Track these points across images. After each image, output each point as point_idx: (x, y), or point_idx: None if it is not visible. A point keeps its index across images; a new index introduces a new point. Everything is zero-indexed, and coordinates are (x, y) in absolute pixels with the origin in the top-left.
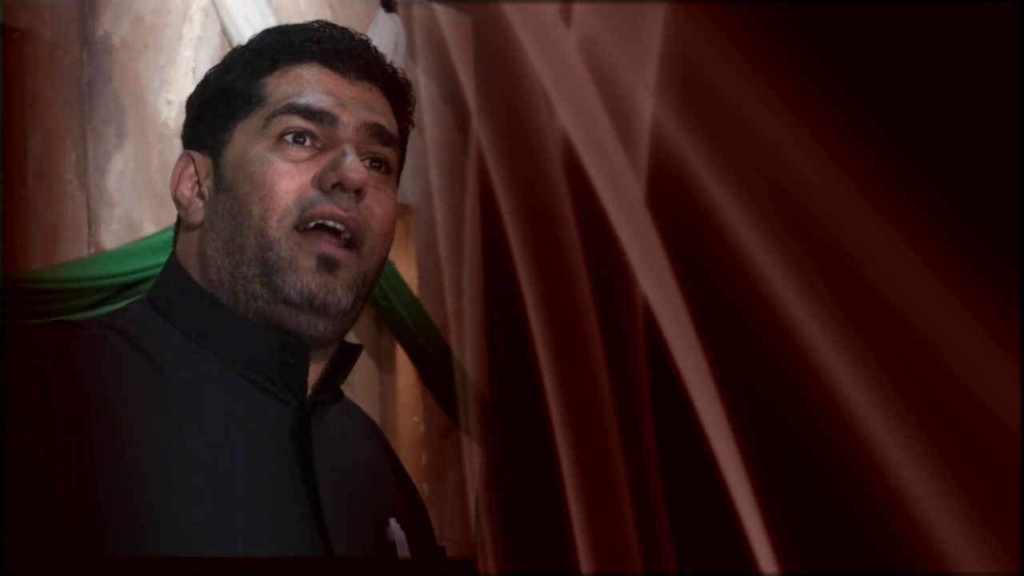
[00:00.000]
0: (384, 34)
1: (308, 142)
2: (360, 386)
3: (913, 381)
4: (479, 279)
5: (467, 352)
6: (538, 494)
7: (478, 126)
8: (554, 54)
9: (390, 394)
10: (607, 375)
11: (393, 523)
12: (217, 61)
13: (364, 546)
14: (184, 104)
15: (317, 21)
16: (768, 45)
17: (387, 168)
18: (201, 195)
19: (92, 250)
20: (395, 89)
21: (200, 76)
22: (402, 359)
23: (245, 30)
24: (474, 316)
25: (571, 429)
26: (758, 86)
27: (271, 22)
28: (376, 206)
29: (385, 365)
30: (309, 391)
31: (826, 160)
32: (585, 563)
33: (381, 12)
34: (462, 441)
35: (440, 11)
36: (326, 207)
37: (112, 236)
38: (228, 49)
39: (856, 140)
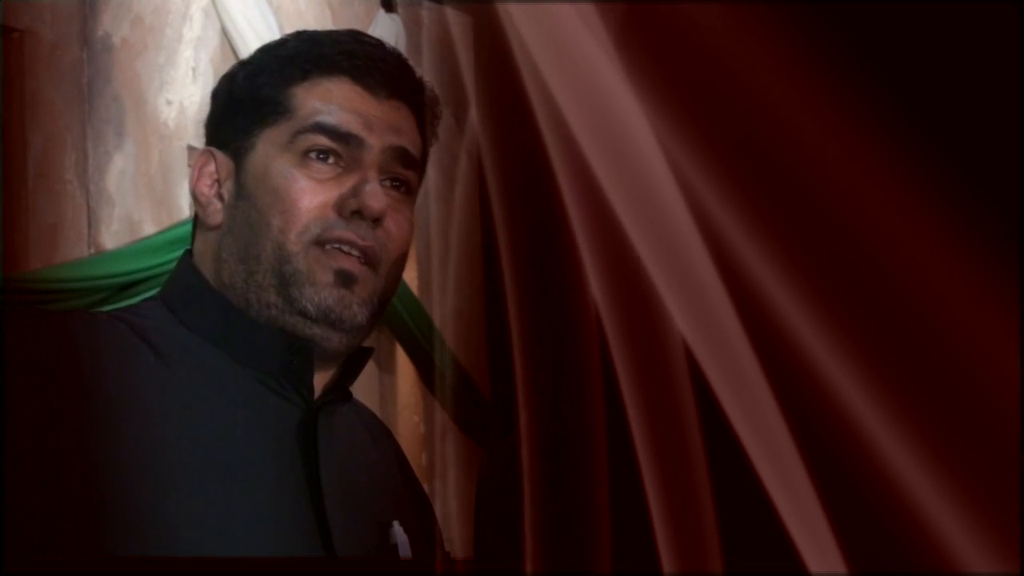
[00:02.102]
0: (384, 34)
1: (332, 160)
2: (360, 386)
3: (918, 379)
4: (479, 279)
5: (467, 353)
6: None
7: (478, 126)
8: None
9: (390, 394)
10: (686, 370)
11: (396, 526)
12: (217, 61)
13: (366, 548)
14: (183, 103)
15: (349, 31)
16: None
17: (407, 189)
18: (220, 196)
19: (92, 250)
20: (423, 105)
21: (200, 76)
22: (402, 359)
23: (245, 30)
24: (474, 317)
25: (649, 430)
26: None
27: (271, 22)
28: (394, 228)
29: (385, 365)
30: (317, 392)
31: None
32: (667, 564)
33: (381, 12)
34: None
35: (440, 11)
36: (344, 233)
37: (112, 236)
38: (228, 49)
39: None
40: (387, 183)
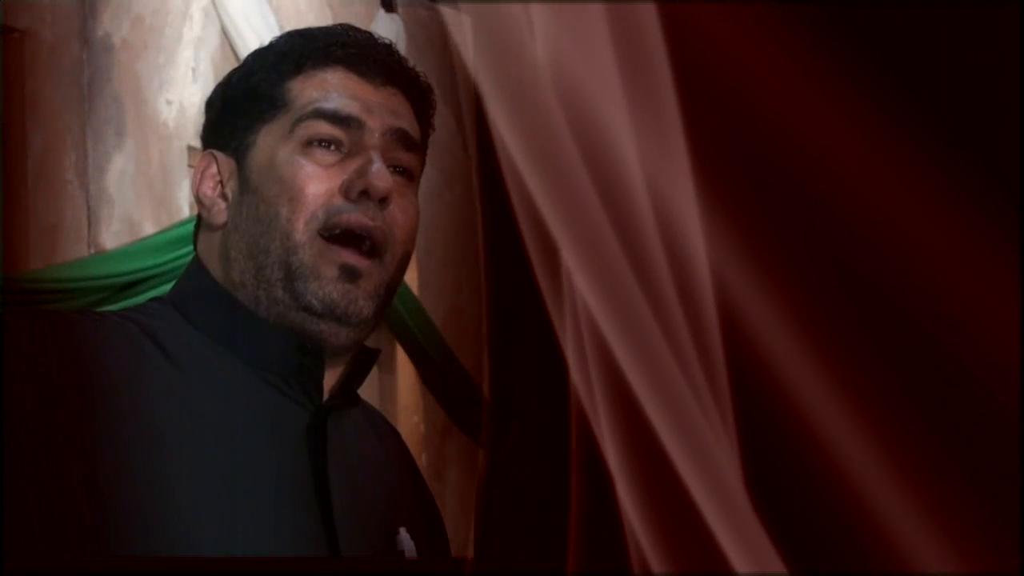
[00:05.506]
0: (384, 34)
1: (334, 147)
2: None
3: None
4: (479, 279)
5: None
6: (540, 493)
7: (477, 125)
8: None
9: (390, 394)
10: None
11: (403, 532)
12: (217, 61)
13: (372, 552)
14: (183, 103)
15: (340, 25)
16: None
17: (410, 175)
18: (224, 196)
19: (92, 250)
20: (417, 94)
21: (200, 76)
22: (402, 359)
23: (245, 30)
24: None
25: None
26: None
27: (271, 22)
28: (400, 213)
29: (385, 365)
30: (326, 394)
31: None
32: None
33: (381, 12)
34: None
35: (440, 11)
36: (352, 216)
37: (112, 236)
38: (228, 49)
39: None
40: (390, 169)
